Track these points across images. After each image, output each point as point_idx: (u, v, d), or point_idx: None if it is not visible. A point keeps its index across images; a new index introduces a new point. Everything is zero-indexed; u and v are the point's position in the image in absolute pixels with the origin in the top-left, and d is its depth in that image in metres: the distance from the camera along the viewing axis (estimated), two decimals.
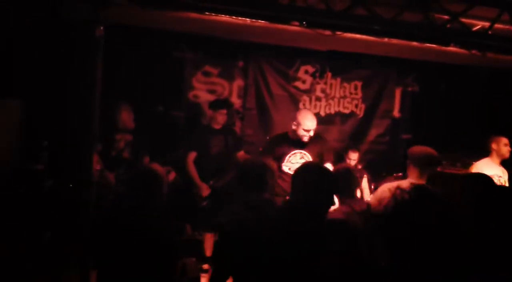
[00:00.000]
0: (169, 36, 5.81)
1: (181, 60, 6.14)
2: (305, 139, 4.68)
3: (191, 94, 6.21)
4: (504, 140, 5.31)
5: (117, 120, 5.24)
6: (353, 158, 6.01)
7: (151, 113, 5.86)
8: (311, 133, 4.65)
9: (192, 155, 5.40)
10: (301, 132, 4.64)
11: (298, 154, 4.77)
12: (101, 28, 4.66)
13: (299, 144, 4.74)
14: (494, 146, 5.35)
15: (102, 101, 4.85)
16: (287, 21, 4.41)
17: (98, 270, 3.02)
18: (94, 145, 4.75)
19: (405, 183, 3.36)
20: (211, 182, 5.39)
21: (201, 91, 6.25)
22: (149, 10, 4.40)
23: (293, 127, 4.68)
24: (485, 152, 5.75)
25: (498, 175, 5.32)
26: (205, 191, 5.35)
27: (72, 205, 4.89)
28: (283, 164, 4.72)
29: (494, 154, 5.37)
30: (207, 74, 6.27)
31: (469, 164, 6.37)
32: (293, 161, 4.70)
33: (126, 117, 5.26)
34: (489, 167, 5.31)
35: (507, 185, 5.37)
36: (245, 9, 4.18)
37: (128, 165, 5.35)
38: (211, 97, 6.22)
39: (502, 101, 6.97)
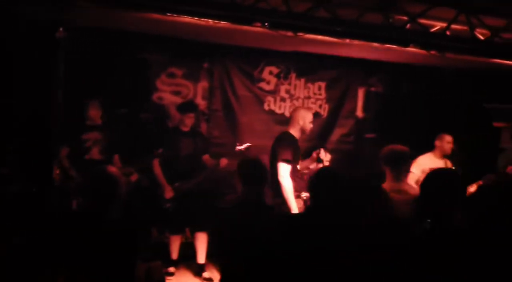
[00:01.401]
0: (134, 37, 5.76)
1: (146, 62, 6.08)
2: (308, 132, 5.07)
3: (155, 96, 6.15)
4: (448, 138, 5.64)
5: (85, 118, 5.16)
6: (327, 158, 6.07)
7: (116, 115, 5.80)
8: None
9: (158, 154, 5.39)
10: (308, 125, 4.99)
11: None
12: (61, 29, 4.60)
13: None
14: (437, 142, 5.69)
15: (68, 102, 4.78)
16: (249, 23, 4.41)
17: (62, 274, 2.99)
18: (55, 147, 4.67)
19: None
20: (176, 184, 5.37)
21: (166, 93, 6.19)
22: (109, 10, 4.33)
23: (300, 123, 4.95)
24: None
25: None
26: (168, 192, 5.33)
27: (36, 209, 4.80)
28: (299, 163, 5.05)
29: (437, 150, 5.68)
30: (171, 75, 6.22)
31: None
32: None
33: (95, 113, 5.19)
34: (430, 161, 5.58)
35: None
36: (206, 10, 4.16)
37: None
38: (176, 99, 6.18)
39: (464, 100, 7.14)
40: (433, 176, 2.68)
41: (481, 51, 5.08)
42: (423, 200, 2.52)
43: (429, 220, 2.44)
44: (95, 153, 5.15)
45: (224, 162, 5.45)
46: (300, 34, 4.75)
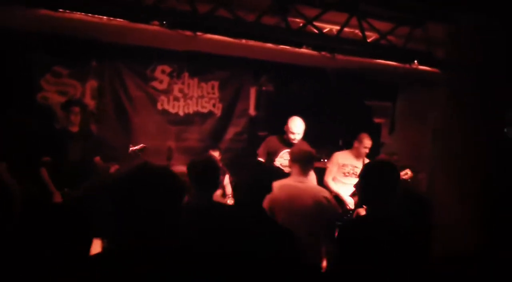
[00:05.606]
0: (15, 34, 5.26)
1: (28, 61, 5.63)
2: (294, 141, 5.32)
3: (39, 96, 5.73)
4: (367, 143, 5.81)
5: None
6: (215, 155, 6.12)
7: None
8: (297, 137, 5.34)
9: (45, 160, 5.06)
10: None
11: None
12: None
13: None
14: (356, 144, 5.87)
15: None
16: (147, 21, 4.27)
17: None
18: None
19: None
20: (66, 189, 5.06)
21: (51, 93, 5.80)
22: None
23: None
24: (333, 147, 6.28)
25: (354, 165, 5.86)
26: (57, 198, 5.02)
27: None
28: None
29: (354, 150, 5.89)
30: (56, 74, 5.83)
31: (319, 158, 6.86)
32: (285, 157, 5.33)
33: None
34: (346, 158, 5.85)
35: None
36: (104, 8, 3.95)
37: None
38: (62, 99, 5.79)
39: (348, 98, 7.55)
40: (371, 166, 2.86)
41: (368, 53, 5.40)
42: (362, 188, 2.64)
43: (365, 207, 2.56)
44: None
45: (114, 168, 5.25)
46: (199, 34, 4.70)
